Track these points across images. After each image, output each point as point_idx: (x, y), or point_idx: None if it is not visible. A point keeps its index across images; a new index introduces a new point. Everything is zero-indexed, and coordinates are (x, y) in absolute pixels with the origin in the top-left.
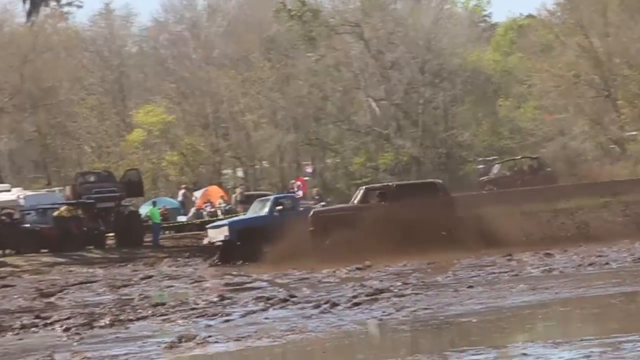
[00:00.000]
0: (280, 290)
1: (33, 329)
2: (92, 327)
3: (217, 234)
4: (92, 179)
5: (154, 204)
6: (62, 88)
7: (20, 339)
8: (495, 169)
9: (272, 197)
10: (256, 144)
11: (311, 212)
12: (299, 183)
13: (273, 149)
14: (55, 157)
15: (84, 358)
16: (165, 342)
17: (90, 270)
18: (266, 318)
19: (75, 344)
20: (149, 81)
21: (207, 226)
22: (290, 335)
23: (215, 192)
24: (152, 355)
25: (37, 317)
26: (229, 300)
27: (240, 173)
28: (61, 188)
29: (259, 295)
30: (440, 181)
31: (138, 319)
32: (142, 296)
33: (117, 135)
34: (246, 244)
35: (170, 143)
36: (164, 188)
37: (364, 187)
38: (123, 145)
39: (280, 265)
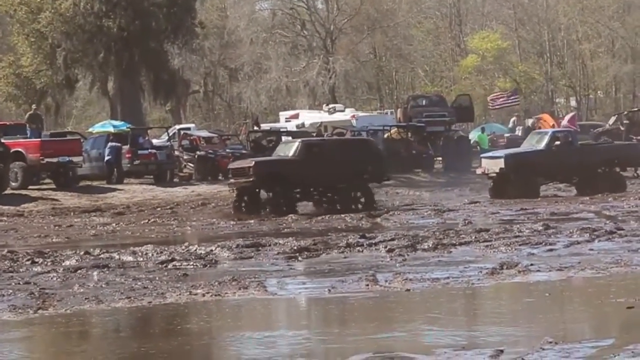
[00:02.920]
0: (607, 222)
1: (358, 248)
2: (415, 250)
3: (492, 165)
4: (423, 102)
5: (483, 130)
6: (400, 10)
7: (345, 257)
8: (611, 120)
9: (550, 131)
10: (592, 73)
11: (252, 162)
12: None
13: (609, 79)
14: (389, 79)
15: (405, 279)
16: (486, 268)
17: (417, 193)
18: (590, 249)
19: (397, 265)
20: (487, 6)
21: (482, 156)
22: (614, 268)
23: (547, 120)
24: (473, 281)
25: (363, 236)
26: (553, 230)
27: (573, 102)
28: (392, 110)
29: (585, 226)
30: (372, 139)
31: (461, 244)
32: (466, 221)
33: (451, 59)
34: (520, 178)
35: (503, 69)
36: (494, 114)
37: (299, 140)
38: (456, 70)
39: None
